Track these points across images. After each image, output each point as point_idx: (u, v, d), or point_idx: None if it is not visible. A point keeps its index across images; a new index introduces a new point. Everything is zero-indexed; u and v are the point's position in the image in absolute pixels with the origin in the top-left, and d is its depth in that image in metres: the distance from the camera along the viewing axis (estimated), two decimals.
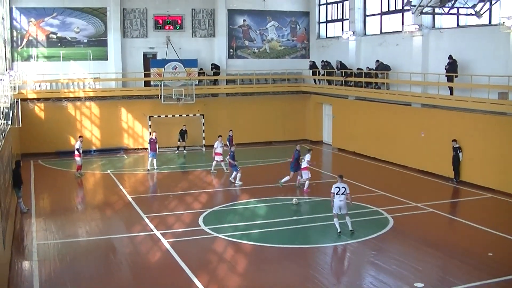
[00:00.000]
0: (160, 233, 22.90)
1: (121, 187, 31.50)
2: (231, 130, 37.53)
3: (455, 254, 20.68)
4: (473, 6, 30.12)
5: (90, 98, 42.19)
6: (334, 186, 22.75)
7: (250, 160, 37.44)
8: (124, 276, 18.87)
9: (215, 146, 34.53)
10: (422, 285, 17.59)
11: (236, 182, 31.64)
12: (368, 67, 39.67)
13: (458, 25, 34.10)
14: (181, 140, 42.35)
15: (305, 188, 30.15)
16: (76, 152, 33.72)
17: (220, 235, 22.58)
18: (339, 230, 22.53)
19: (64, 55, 42.60)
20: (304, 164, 30.43)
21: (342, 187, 22.57)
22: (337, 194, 22.58)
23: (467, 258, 20.15)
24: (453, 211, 27.76)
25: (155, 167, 35.66)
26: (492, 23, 31.35)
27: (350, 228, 22.63)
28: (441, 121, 33.37)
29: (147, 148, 35.92)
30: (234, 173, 31.88)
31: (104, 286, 18.11)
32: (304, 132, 47.59)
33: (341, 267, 20.08)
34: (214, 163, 34.54)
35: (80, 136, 34.59)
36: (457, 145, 31.29)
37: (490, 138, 30.11)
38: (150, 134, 37.27)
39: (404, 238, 22.55)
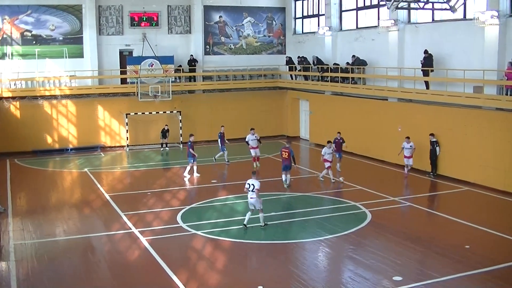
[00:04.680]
0: (138, 231, 22.80)
1: (98, 185, 31.30)
2: (339, 133, 34.88)
3: (433, 247, 20.84)
4: (448, 1, 30.26)
5: (66, 96, 41.88)
6: (246, 182, 23.19)
7: (228, 157, 37.30)
8: (103, 275, 18.77)
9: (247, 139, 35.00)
10: (400, 278, 17.71)
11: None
12: (348, 62, 39.71)
13: (433, 19, 34.34)
14: (162, 138, 42.37)
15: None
16: None
17: (199, 232, 22.54)
18: (245, 223, 22.97)
19: (40, 53, 42.29)
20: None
21: (252, 184, 22.80)
22: (248, 190, 22.93)
23: (444, 251, 20.31)
24: (430, 204, 27.93)
25: (226, 160, 36.52)
26: (467, 17, 31.63)
27: (262, 224, 23.09)
28: (418, 115, 33.58)
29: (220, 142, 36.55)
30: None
31: (83, 285, 17.99)
32: (281, 128, 47.65)
33: (320, 262, 20.07)
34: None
35: None
36: (434, 139, 31.46)
37: (466, 131, 30.36)
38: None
39: (382, 232, 22.64)
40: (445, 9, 30.90)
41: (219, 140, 36.28)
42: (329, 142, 31.75)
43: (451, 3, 30.22)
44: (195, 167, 32.52)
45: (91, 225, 24.37)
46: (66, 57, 42.71)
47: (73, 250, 21.19)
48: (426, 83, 33.21)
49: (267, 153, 36.68)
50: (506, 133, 28.19)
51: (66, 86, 42.06)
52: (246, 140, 34.96)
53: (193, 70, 45.96)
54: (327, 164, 31.13)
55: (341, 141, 33.48)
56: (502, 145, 28.43)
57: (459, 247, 20.62)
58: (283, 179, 30.16)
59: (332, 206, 26.34)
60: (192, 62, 45.76)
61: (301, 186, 30.81)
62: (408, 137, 32.04)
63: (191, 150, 32.18)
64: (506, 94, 28.35)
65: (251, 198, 22.77)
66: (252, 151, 34.88)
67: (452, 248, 20.58)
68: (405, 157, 32.21)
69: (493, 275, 18.07)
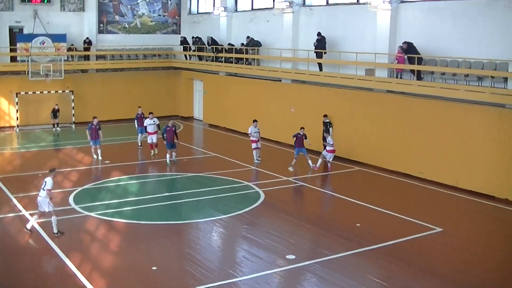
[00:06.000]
0: (29, 213, 22.07)
1: None
2: (302, 128, 30.32)
3: (325, 226, 21.25)
4: None
5: None
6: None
7: (120, 137, 36.88)
8: None
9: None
10: (294, 257, 17.94)
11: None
12: (242, 43, 39.80)
13: (327, 3, 34.81)
14: (53, 118, 41.29)
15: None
16: None
17: (92, 214, 22.13)
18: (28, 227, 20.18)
19: None
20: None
21: (45, 181, 19.90)
22: (41, 188, 20.11)
23: (336, 229, 20.75)
24: (322, 184, 28.45)
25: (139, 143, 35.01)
26: (360, 1, 32.15)
27: (54, 231, 19.80)
28: (311, 96, 34.01)
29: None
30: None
31: None
32: (175, 108, 47.30)
33: (214, 242, 20.10)
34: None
35: None
36: (327, 120, 31.89)
37: (357, 113, 31.00)
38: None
39: (275, 212, 22.91)
40: None
41: (135, 121, 35.06)
42: (255, 121, 31.62)
43: None
44: (99, 150, 31.62)
45: None
46: None
47: None
48: (320, 65, 33.65)
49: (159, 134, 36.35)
50: (395, 114, 28.93)
51: None
52: (145, 124, 33.56)
53: (88, 50, 44.88)
54: (254, 145, 31.31)
55: (303, 137, 30.47)
56: (391, 126, 29.18)
57: (350, 225, 21.11)
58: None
59: (225, 186, 26.33)
60: (87, 43, 44.73)
61: (194, 166, 30.75)
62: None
63: (88, 132, 31.47)
64: (396, 77, 29.12)
65: (39, 196, 19.92)
66: (148, 137, 33.33)
67: (343, 226, 21.05)
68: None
69: (382, 252, 18.58)
